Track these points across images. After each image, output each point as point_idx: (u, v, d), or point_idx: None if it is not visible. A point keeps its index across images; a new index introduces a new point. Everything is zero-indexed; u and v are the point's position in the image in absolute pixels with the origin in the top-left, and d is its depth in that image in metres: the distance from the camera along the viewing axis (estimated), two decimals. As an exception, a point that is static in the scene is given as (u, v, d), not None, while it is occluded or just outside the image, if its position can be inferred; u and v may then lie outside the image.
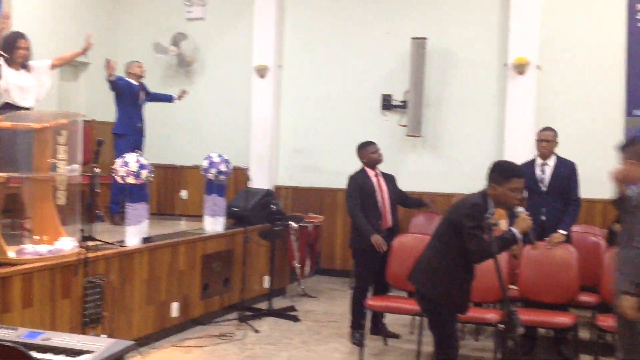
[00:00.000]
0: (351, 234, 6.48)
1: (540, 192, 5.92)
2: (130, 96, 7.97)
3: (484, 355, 5.93)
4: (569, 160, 6.03)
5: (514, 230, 3.97)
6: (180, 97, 8.51)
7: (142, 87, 8.14)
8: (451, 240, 4.08)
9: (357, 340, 6.03)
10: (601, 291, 5.58)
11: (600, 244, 6.28)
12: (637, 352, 3.98)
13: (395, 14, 9.02)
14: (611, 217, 7.61)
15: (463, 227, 3.97)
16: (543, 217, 5.87)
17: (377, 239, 6.12)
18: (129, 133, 7.92)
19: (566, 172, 5.95)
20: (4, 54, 6.29)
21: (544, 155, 5.99)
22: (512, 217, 4.54)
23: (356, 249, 6.42)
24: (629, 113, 7.89)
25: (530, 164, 6.05)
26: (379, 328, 6.35)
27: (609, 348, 5.95)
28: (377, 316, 6.34)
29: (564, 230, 5.77)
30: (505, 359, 4.50)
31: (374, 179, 6.39)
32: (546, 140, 5.98)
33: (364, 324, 6.09)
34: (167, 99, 8.55)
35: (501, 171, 4.10)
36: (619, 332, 4.15)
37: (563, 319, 5.32)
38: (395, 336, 6.35)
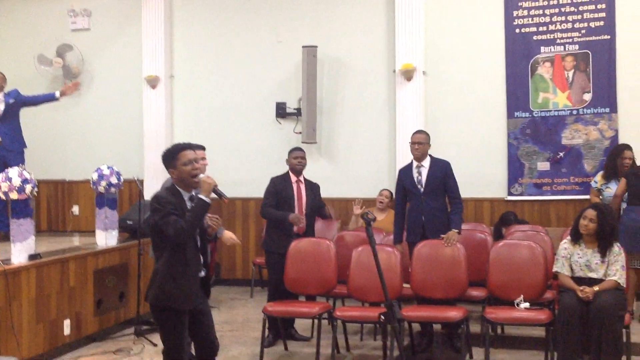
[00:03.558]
0: (265, 236, 6.58)
1: (419, 194, 6.10)
2: None
3: (382, 354, 6.04)
4: (444, 160, 6.21)
5: (201, 195, 4.08)
6: (65, 92, 7.96)
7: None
8: (158, 242, 4.16)
9: (269, 342, 6.17)
10: (489, 286, 5.81)
11: (488, 241, 6.55)
12: None
13: (286, 22, 9.11)
14: (498, 215, 7.99)
15: (157, 225, 4.05)
16: (423, 218, 6.07)
17: (293, 216, 6.24)
18: None
19: (441, 172, 6.11)
20: None
21: (418, 158, 6.16)
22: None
23: (268, 251, 6.45)
24: (511, 115, 8.27)
25: (409, 167, 6.24)
26: (288, 332, 6.37)
27: (498, 339, 6.23)
28: (287, 321, 6.36)
29: (456, 228, 5.95)
30: (401, 356, 4.59)
31: (294, 185, 6.44)
32: (418, 142, 6.14)
33: (279, 326, 6.23)
34: (49, 98, 8.03)
35: (167, 157, 4.21)
36: None
37: (454, 313, 5.49)
38: (305, 339, 6.41)
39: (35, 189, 5.79)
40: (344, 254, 6.18)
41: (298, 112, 8.95)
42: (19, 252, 5.70)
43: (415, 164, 6.19)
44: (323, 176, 8.87)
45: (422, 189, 6.09)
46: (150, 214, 4.13)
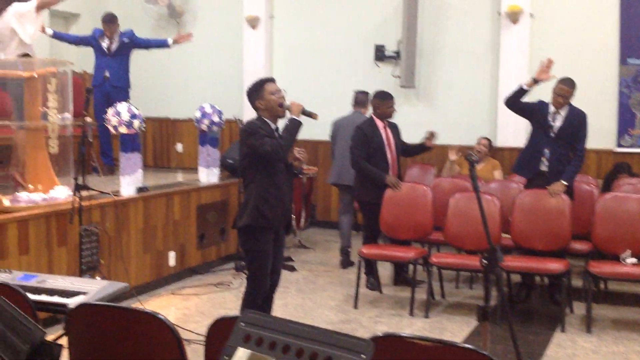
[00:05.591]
0: (357, 186, 6.39)
1: (549, 136, 5.82)
2: (95, 47, 7.95)
3: (478, 302, 5.97)
4: (581, 111, 5.86)
5: (292, 115, 4.32)
6: (178, 41, 8.06)
7: (112, 35, 7.87)
8: (249, 167, 4.30)
9: (372, 284, 6.24)
10: (593, 239, 5.62)
11: (594, 193, 6.30)
12: None
13: (388, -38, 8.88)
14: (605, 167, 7.68)
15: (253, 146, 4.19)
16: (545, 160, 5.83)
17: (391, 179, 6.13)
18: (96, 84, 7.85)
19: (577, 121, 5.81)
20: None
21: (559, 107, 5.84)
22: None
23: (363, 201, 6.37)
24: (623, 61, 7.83)
25: (546, 106, 5.90)
26: (401, 278, 6.39)
27: (601, 295, 6.04)
28: (398, 267, 6.38)
29: (566, 180, 5.71)
30: (500, 305, 4.54)
31: (382, 131, 6.27)
32: (564, 96, 5.76)
33: (376, 269, 6.25)
34: (161, 44, 8.15)
35: (254, 89, 4.36)
36: None
37: (555, 265, 5.36)
38: (420, 282, 6.10)
39: (143, 125, 5.98)
40: (440, 200, 6.10)
41: (397, 55, 8.79)
42: (128, 185, 5.93)
43: (552, 109, 5.85)
44: (421, 122, 8.75)
45: (552, 134, 5.82)
46: (245, 138, 4.27)
